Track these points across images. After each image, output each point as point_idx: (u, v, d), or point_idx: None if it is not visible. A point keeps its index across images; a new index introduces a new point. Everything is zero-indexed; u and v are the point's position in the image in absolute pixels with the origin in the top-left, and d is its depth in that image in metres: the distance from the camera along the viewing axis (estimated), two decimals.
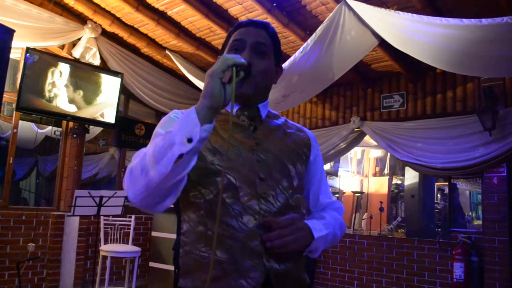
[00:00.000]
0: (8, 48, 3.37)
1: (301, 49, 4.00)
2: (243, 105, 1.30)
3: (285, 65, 4.13)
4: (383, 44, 4.19)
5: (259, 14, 4.53)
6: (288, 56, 4.33)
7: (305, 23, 4.65)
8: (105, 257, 4.71)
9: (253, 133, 1.31)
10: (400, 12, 3.51)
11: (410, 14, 3.44)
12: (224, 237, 1.16)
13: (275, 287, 1.18)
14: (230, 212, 1.17)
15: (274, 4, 4.39)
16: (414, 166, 5.33)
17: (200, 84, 5.46)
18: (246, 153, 1.25)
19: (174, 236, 1.50)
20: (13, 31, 3.43)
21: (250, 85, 1.22)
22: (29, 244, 4.98)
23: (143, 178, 1.05)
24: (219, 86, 1.04)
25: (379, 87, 5.68)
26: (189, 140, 1.01)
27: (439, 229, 6.34)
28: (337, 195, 8.93)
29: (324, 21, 3.87)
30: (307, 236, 1.24)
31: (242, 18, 4.74)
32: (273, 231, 1.17)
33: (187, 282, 1.21)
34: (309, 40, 3.93)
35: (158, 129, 1.24)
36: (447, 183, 5.53)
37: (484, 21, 3.08)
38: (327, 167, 8.15)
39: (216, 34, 5.16)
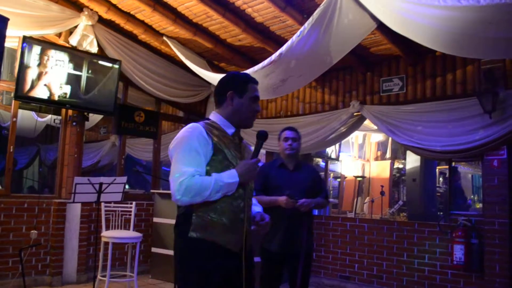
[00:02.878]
0: (2, 37, 3.36)
1: (298, 33, 3.96)
2: (237, 131, 2.12)
3: (282, 49, 4.10)
4: (381, 27, 4.13)
5: None
6: (286, 41, 4.29)
7: (302, 7, 4.60)
8: (106, 243, 4.75)
9: (239, 147, 2.13)
10: None
11: None
12: (229, 211, 1.98)
13: (248, 238, 2.03)
14: (233, 196, 1.99)
15: None
16: (414, 150, 5.32)
17: (198, 70, 5.44)
18: (236, 162, 2.06)
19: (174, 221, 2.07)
20: (7, 19, 3.41)
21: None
22: (32, 231, 5.04)
23: (200, 198, 1.89)
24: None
25: (379, 71, 5.64)
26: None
27: (441, 213, 6.36)
28: (339, 179, 8.94)
29: (321, 4, 3.81)
30: None
31: (238, 3, 4.70)
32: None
33: (198, 233, 1.94)
34: (306, 24, 3.89)
35: (191, 151, 1.94)
36: (448, 166, 5.51)
37: (483, 1, 3.02)
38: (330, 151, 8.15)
39: (212, 20, 5.11)
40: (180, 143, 1.96)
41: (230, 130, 2.08)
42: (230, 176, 1.93)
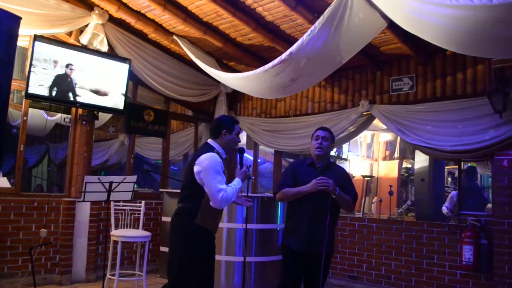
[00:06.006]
0: (15, 35, 3.36)
1: (308, 32, 3.95)
2: (227, 155, 3.19)
3: (292, 48, 4.09)
4: (392, 26, 4.12)
5: None
6: (296, 40, 4.29)
7: (313, 6, 4.59)
8: (116, 242, 4.76)
9: (227, 165, 3.23)
10: None
11: None
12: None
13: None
14: None
15: None
16: (423, 149, 5.30)
17: (207, 69, 5.44)
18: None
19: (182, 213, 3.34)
20: (20, 18, 3.42)
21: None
22: (42, 230, 5.07)
23: (230, 202, 3.02)
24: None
25: (388, 70, 5.62)
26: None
27: (448, 212, 6.33)
28: None
29: (332, 3, 3.80)
30: None
31: (249, 2, 4.70)
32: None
33: (202, 222, 3.02)
34: (316, 23, 3.88)
35: (219, 173, 2.95)
36: (457, 166, 5.48)
37: (495, 0, 3.00)
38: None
39: (223, 19, 5.12)
40: (210, 169, 2.92)
41: (224, 155, 3.11)
42: (238, 183, 3.08)
